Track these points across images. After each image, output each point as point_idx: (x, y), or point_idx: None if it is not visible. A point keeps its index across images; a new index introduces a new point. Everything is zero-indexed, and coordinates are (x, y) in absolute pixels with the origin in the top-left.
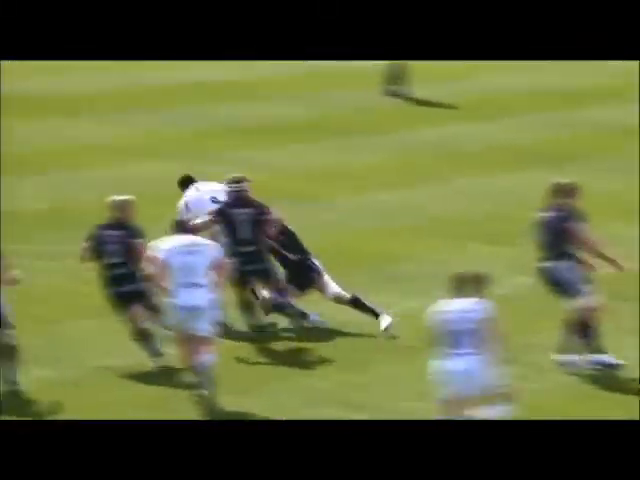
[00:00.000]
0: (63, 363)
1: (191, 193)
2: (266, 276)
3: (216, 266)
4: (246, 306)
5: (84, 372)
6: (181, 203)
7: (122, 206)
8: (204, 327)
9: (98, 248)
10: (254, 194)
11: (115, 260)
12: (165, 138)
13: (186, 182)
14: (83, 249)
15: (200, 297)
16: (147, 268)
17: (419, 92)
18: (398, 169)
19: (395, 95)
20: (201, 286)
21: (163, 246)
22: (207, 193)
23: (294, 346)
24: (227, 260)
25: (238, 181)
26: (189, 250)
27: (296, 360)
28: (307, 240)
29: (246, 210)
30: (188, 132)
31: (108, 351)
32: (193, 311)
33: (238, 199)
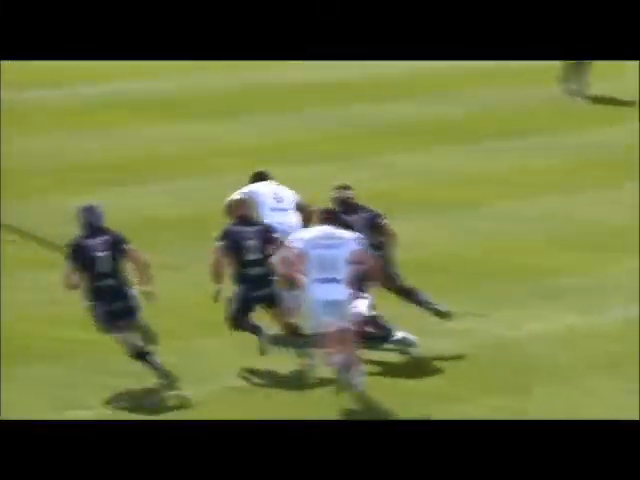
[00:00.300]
0: (200, 382)
1: (258, 186)
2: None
3: (357, 259)
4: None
5: (220, 391)
6: (245, 191)
7: (245, 203)
8: (343, 323)
9: (234, 245)
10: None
11: (254, 257)
12: (295, 141)
13: (258, 178)
14: (218, 248)
15: (339, 292)
16: (282, 262)
17: (594, 90)
18: (561, 173)
19: (572, 94)
20: (340, 281)
21: (302, 237)
22: (272, 193)
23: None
24: (370, 253)
25: (345, 187)
26: (329, 243)
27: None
28: (455, 249)
29: (361, 215)
30: (317, 135)
31: (241, 369)
32: (332, 306)
33: (348, 205)
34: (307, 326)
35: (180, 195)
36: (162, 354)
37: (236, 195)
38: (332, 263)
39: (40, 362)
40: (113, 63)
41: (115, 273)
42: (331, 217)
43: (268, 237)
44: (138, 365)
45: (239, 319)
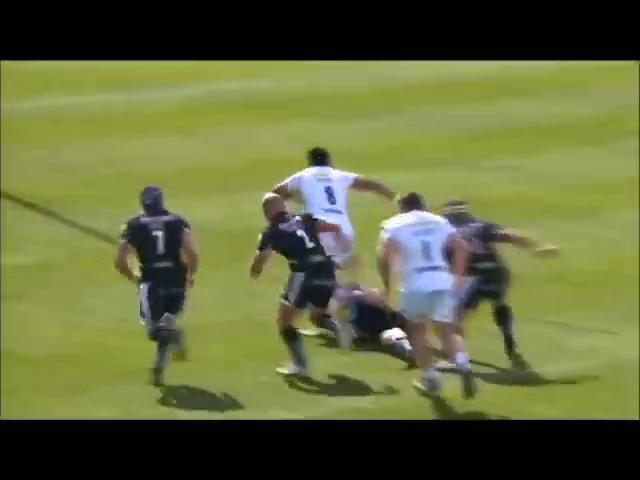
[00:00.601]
0: (308, 404)
1: (309, 178)
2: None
3: (452, 245)
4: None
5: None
6: (296, 177)
7: (276, 202)
8: (445, 313)
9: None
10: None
11: (310, 245)
12: (417, 144)
13: (316, 155)
14: (259, 255)
15: (441, 280)
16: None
17: None
18: None
19: None
20: (440, 268)
21: (396, 224)
22: (324, 187)
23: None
24: (463, 238)
25: (459, 203)
26: (428, 228)
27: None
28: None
29: (470, 226)
30: (431, 137)
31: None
32: (434, 296)
33: (459, 218)
34: (407, 318)
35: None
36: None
37: (269, 194)
38: (433, 250)
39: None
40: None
41: (172, 255)
42: (416, 201)
43: (312, 226)
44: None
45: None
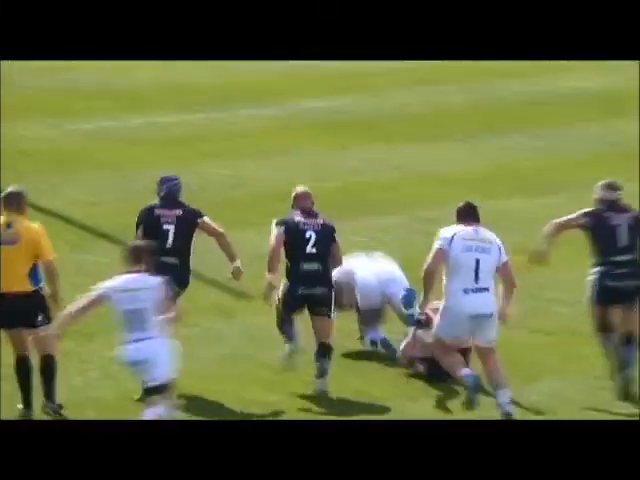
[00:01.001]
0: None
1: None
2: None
3: (502, 271)
4: (605, 328)
5: None
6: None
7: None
8: (490, 339)
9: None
10: None
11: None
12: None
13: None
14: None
15: (487, 304)
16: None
17: None
18: None
19: None
20: (490, 291)
21: (451, 234)
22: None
23: None
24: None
25: (615, 187)
26: (483, 246)
27: None
28: None
29: (627, 215)
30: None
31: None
32: (479, 320)
33: (615, 205)
34: (445, 339)
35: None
36: None
37: (301, 187)
38: (484, 270)
39: None
40: None
41: (179, 251)
42: (473, 212)
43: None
44: None
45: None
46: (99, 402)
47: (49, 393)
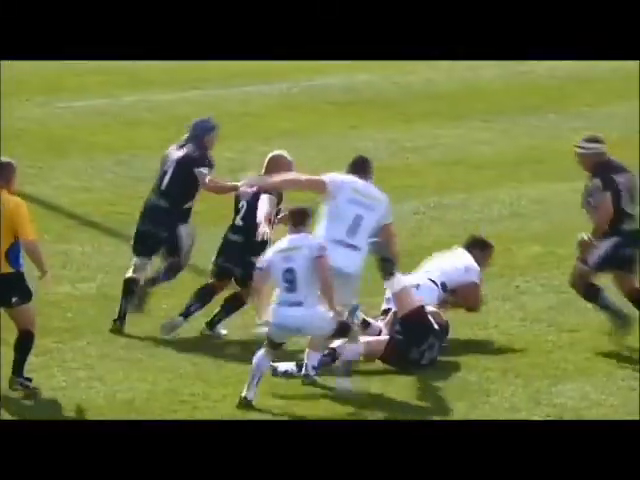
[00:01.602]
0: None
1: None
2: None
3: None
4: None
5: None
6: None
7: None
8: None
9: None
10: None
11: None
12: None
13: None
14: None
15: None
16: None
17: None
18: None
19: None
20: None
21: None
22: None
23: None
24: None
25: (597, 140)
26: (365, 202)
27: None
28: None
29: (626, 175)
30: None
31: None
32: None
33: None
34: None
35: None
36: None
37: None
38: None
39: None
40: None
41: (171, 195)
42: (367, 165)
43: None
44: None
45: None
46: (85, 403)
47: (18, 368)
